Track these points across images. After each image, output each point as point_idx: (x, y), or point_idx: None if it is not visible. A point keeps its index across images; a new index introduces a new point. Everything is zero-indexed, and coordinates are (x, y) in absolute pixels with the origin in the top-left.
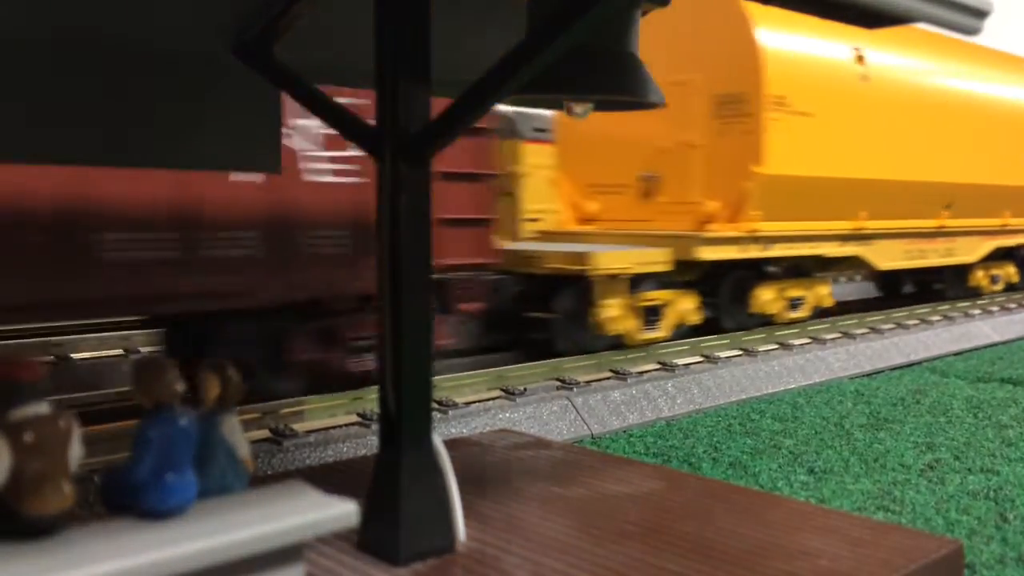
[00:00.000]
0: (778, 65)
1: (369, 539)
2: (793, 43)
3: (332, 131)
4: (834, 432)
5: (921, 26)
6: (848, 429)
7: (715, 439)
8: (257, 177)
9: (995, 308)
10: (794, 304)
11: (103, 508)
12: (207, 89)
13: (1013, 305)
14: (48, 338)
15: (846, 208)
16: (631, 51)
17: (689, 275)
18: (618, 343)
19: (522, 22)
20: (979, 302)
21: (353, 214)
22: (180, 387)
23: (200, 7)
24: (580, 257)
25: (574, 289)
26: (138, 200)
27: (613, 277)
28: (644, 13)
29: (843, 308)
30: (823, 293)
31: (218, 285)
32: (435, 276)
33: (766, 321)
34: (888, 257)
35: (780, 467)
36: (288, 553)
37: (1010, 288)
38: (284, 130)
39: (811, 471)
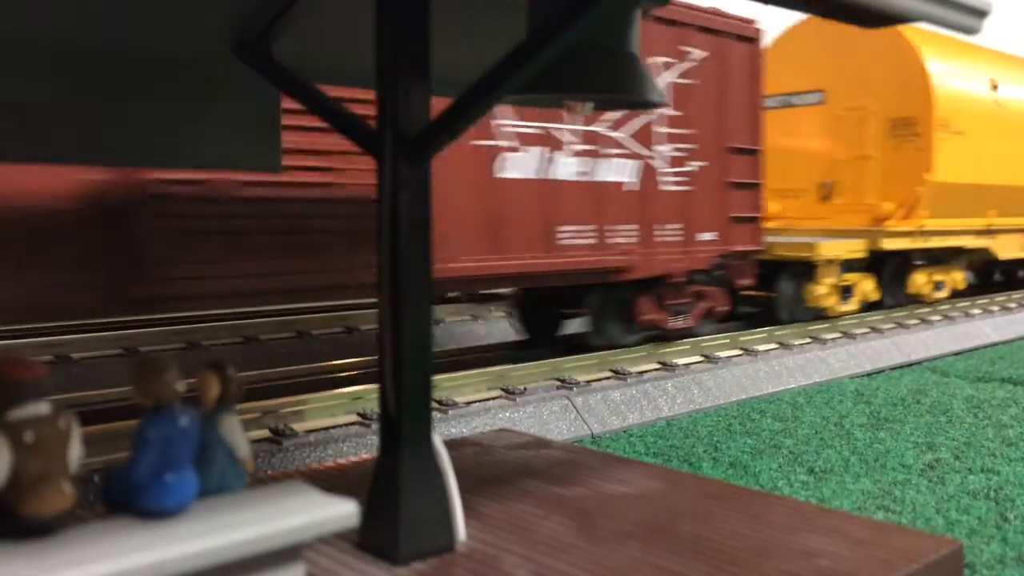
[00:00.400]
0: (943, 93)
1: (369, 539)
2: (950, 74)
3: (676, 152)
4: (834, 432)
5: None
6: (848, 429)
7: (715, 439)
8: (635, 186)
9: (995, 308)
10: (938, 287)
11: (103, 508)
12: (208, 89)
13: (1013, 305)
14: (48, 338)
15: (981, 208)
16: (631, 51)
17: (864, 262)
18: (822, 315)
19: (522, 22)
20: (979, 302)
21: (685, 212)
22: (179, 386)
23: (200, 7)
24: (807, 247)
25: (793, 272)
26: (580, 202)
27: (830, 262)
28: (644, 13)
29: (969, 290)
30: (959, 278)
31: (614, 263)
32: (726, 259)
33: (918, 301)
34: (1008, 248)
35: (780, 467)
36: (288, 553)
37: None
38: (648, 152)
39: (811, 471)
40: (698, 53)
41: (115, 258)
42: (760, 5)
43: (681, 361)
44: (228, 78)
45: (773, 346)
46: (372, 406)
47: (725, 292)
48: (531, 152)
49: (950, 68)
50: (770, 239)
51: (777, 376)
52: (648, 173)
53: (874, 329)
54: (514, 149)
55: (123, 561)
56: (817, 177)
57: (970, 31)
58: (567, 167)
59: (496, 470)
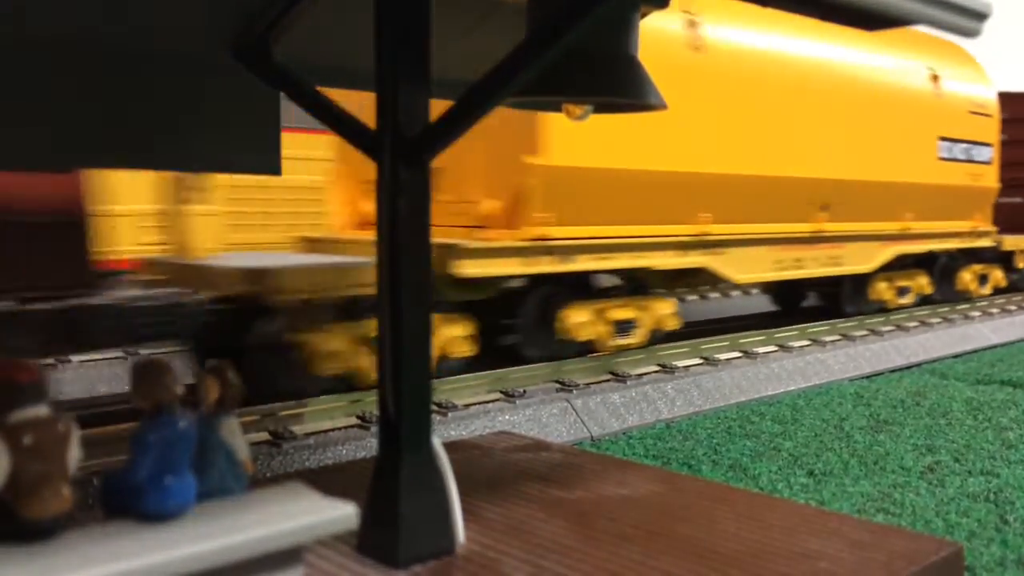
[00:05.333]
0: None
1: (369, 542)
2: None
3: None
4: (834, 434)
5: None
6: (848, 431)
7: (715, 441)
8: None
9: (995, 310)
10: (621, 328)
11: (102, 511)
12: (207, 91)
13: (1013, 307)
14: None
15: (685, 209)
16: (630, 53)
17: None
18: None
19: (522, 24)
20: (979, 304)
21: None
22: (179, 390)
23: (200, 10)
24: None
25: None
26: None
27: None
28: (644, 15)
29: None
30: (664, 312)
31: None
32: None
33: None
34: (747, 268)
35: (780, 469)
36: (287, 556)
37: (925, 301)
38: None
39: (811, 473)
40: None
41: None
42: None
43: (680, 363)
44: (228, 80)
45: (772, 348)
46: (371, 408)
47: None
48: None
49: None
50: (212, 264)
51: (777, 378)
52: None
53: (873, 332)
54: None
55: (122, 564)
56: None
57: (971, 34)
58: None
59: (496, 473)
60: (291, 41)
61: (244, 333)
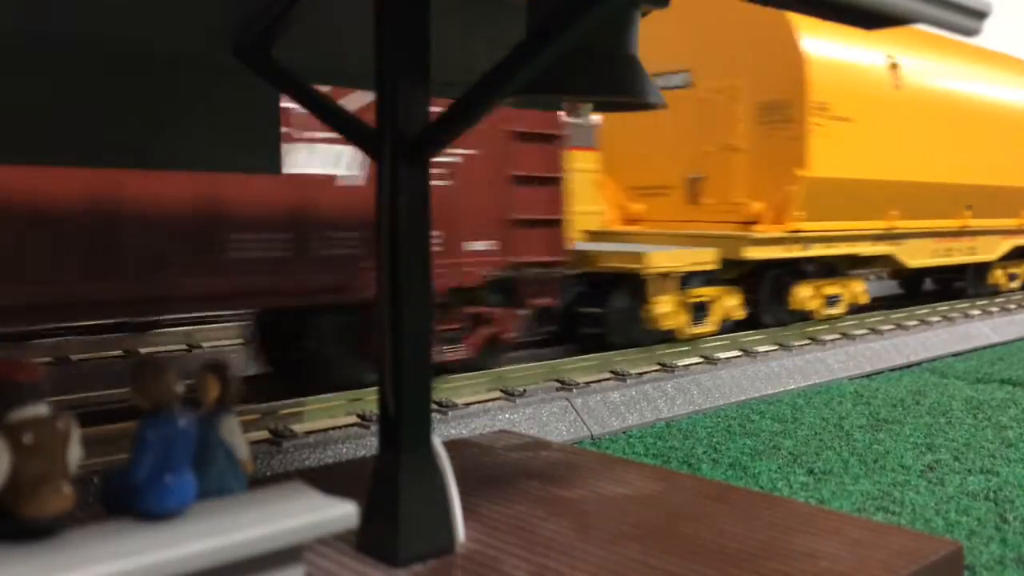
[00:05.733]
0: (820, 72)
1: (368, 540)
2: (833, 49)
3: None
4: (834, 433)
5: (921, 26)
6: (848, 430)
7: (714, 440)
8: (359, 180)
9: (995, 309)
10: (831, 301)
11: (102, 509)
12: (207, 90)
13: (1012, 306)
14: (47, 339)
15: (880, 209)
16: (630, 52)
17: (734, 274)
18: (672, 338)
19: (522, 23)
20: (978, 303)
21: (444, 214)
22: (179, 388)
23: (200, 9)
24: (635, 257)
25: (630, 287)
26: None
27: (666, 275)
28: (644, 14)
29: (873, 305)
30: (859, 290)
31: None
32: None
33: (805, 319)
34: (917, 255)
35: (780, 468)
36: (287, 554)
37: None
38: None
39: (811, 472)
40: None
41: None
42: None
43: (680, 362)
44: (228, 79)
45: (772, 347)
46: (371, 407)
47: (515, 314)
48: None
49: (833, 41)
50: (591, 248)
51: (776, 377)
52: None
53: (873, 330)
54: None
55: (122, 563)
56: (685, 172)
57: (970, 33)
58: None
59: (496, 471)
60: (291, 40)
61: (606, 298)
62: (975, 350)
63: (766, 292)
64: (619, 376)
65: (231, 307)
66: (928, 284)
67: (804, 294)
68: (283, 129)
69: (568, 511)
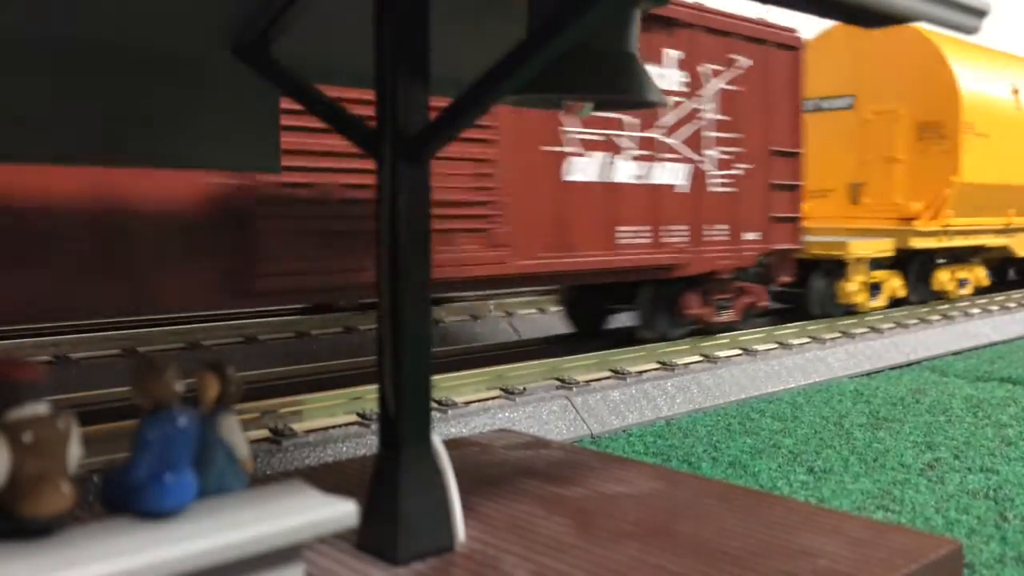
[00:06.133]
0: (969, 98)
1: (369, 539)
2: (976, 79)
3: (724, 156)
4: (834, 431)
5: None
6: (848, 428)
7: (715, 439)
8: (686, 188)
9: (995, 307)
10: (962, 283)
11: (102, 508)
12: (207, 89)
13: (1012, 304)
14: (47, 338)
15: (1002, 207)
16: (630, 51)
17: (891, 260)
18: (852, 311)
19: (522, 21)
20: (979, 301)
21: (731, 213)
22: (179, 387)
23: (199, 8)
24: (840, 245)
25: (826, 269)
26: (638, 203)
27: (859, 260)
28: (644, 13)
29: (991, 288)
30: (982, 275)
31: (667, 260)
32: (767, 256)
33: (942, 297)
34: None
35: (780, 467)
36: (287, 553)
37: None
38: (697, 156)
39: (811, 471)
40: (744, 61)
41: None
42: (795, 12)
43: (680, 361)
44: (227, 78)
45: (772, 346)
46: (371, 406)
47: (765, 287)
48: (594, 157)
49: (975, 73)
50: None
51: (776, 376)
52: (698, 176)
53: (873, 329)
54: (579, 154)
55: (122, 562)
56: (846, 178)
57: (970, 31)
58: (626, 171)
59: (496, 470)
60: (291, 39)
61: (806, 278)
62: (975, 348)
63: (913, 276)
64: (619, 375)
65: (621, 279)
66: (1011, 274)
67: (944, 277)
68: (647, 152)
69: (568, 510)
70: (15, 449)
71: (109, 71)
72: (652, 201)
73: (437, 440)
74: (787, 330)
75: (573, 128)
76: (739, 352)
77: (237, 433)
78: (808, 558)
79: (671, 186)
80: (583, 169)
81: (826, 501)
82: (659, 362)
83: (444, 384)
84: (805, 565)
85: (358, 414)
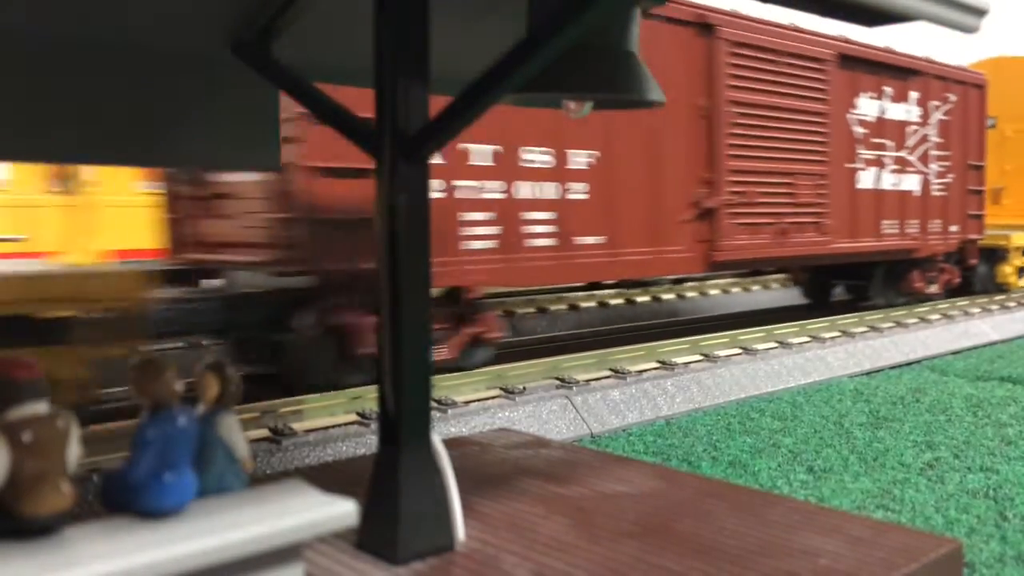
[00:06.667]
0: None
1: (368, 538)
2: None
3: (940, 168)
4: (833, 431)
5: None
6: (847, 428)
7: (714, 438)
8: (919, 193)
9: (994, 307)
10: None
11: (102, 508)
12: (206, 88)
13: (1012, 304)
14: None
15: None
16: (630, 50)
17: None
18: (1004, 289)
19: (522, 20)
20: (978, 300)
21: (943, 211)
22: (178, 386)
23: (199, 6)
24: (1003, 237)
25: (987, 256)
26: (892, 204)
27: (1017, 248)
28: (644, 13)
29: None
30: None
31: (909, 246)
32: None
33: None
34: None
35: (779, 466)
36: (287, 553)
37: None
38: (925, 169)
39: (810, 470)
40: (953, 97)
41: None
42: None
43: (680, 360)
44: (227, 77)
45: (772, 345)
46: (371, 405)
47: (957, 268)
48: (871, 171)
49: None
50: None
51: (776, 375)
52: (925, 184)
53: (873, 328)
54: (864, 169)
55: (121, 561)
56: (990, 184)
57: (970, 30)
58: (887, 180)
59: (495, 469)
60: (291, 38)
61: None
62: (975, 348)
63: (984, 267)
64: (619, 374)
65: (882, 259)
66: None
67: (1007, 269)
68: (899, 166)
69: (568, 509)
70: (15, 448)
71: (108, 70)
72: (900, 202)
73: (437, 439)
74: (787, 329)
75: (865, 151)
76: (739, 351)
77: (237, 432)
78: (808, 557)
79: (911, 191)
80: (865, 180)
81: (826, 500)
82: (659, 361)
83: (444, 383)
84: (805, 564)
85: (358, 413)
